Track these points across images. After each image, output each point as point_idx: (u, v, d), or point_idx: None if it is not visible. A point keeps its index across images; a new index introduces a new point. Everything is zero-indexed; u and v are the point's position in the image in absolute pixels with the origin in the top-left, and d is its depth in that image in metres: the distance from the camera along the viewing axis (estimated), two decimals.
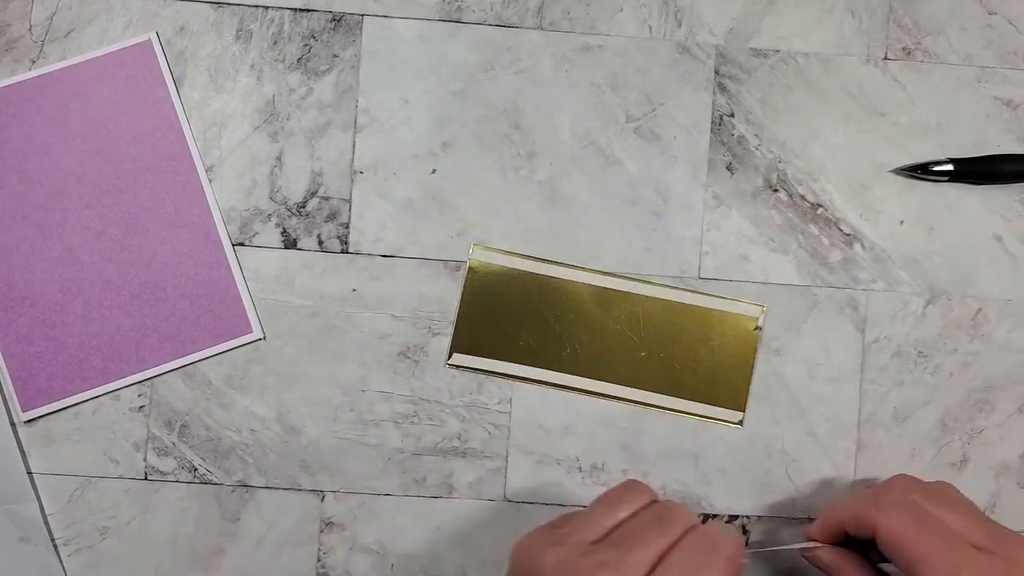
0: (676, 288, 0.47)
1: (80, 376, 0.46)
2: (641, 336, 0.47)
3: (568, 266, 0.47)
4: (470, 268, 0.46)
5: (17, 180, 0.45)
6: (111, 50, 0.46)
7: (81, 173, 0.45)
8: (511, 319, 0.46)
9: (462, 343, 0.46)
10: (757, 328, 0.47)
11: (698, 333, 0.47)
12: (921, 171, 0.46)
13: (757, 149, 0.47)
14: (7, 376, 0.45)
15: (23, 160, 0.45)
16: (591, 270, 0.47)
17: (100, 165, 0.46)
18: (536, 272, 0.47)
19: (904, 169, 0.47)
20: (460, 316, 0.46)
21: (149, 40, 0.46)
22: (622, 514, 0.38)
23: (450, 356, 0.46)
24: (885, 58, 0.47)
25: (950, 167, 0.46)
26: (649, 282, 0.47)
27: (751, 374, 0.47)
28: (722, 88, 0.47)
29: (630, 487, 0.40)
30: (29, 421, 0.45)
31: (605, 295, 0.47)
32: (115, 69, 0.46)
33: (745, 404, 0.47)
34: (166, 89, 0.46)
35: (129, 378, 0.46)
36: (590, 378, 0.47)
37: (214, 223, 0.46)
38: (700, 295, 0.47)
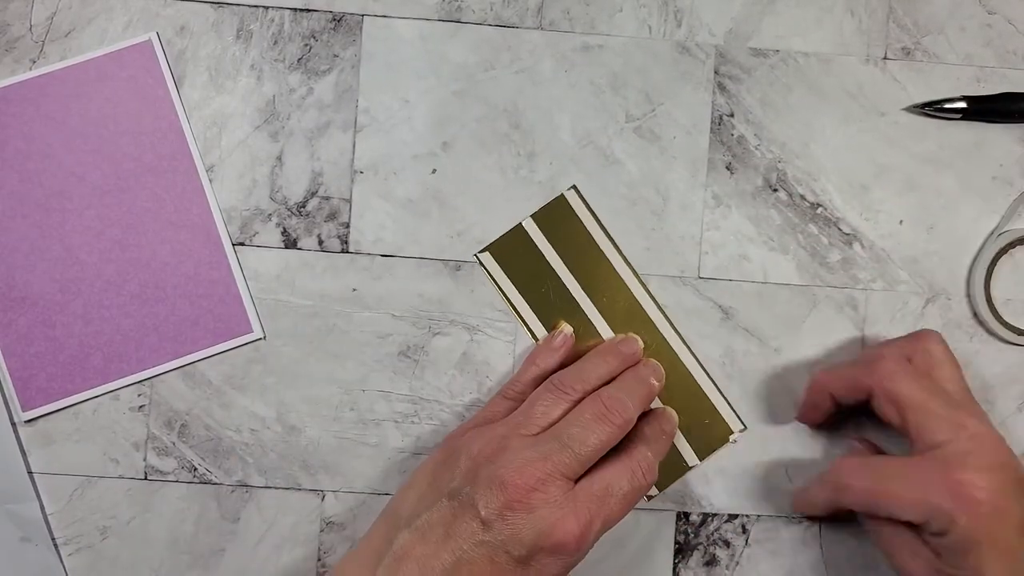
0: (686, 349, 0.47)
1: (80, 376, 0.46)
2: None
3: (625, 262, 0.47)
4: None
5: (17, 180, 0.45)
6: (111, 50, 0.46)
7: (81, 173, 0.45)
8: (547, 268, 0.47)
9: (498, 250, 0.47)
10: (730, 440, 0.47)
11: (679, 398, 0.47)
12: (935, 108, 0.46)
13: (757, 149, 0.47)
14: (7, 376, 0.45)
15: (23, 160, 0.45)
16: (636, 275, 0.47)
17: (100, 165, 0.46)
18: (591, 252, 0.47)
19: (917, 107, 0.47)
20: (512, 231, 0.47)
21: (149, 40, 0.46)
22: (556, 412, 0.41)
23: (483, 251, 0.46)
24: (885, 58, 0.47)
25: (963, 104, 0.46)
26: (671, 323, 0.47)
27: (699, 462, 0.47)
28: (722, 88, 0.47)
29: (557, 387, 0.42)
30: (29, 421, 0.46)
31: (634, 306, 0.47)
32: (115, 69, 0.46)
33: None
34: (166, 89, 0.46)
35: (129, 378, 0.46)
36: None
37: (214, 223, 0.46)
38: (703, 373, 0.47)
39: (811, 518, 0.47)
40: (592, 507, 0.39)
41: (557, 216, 0.47)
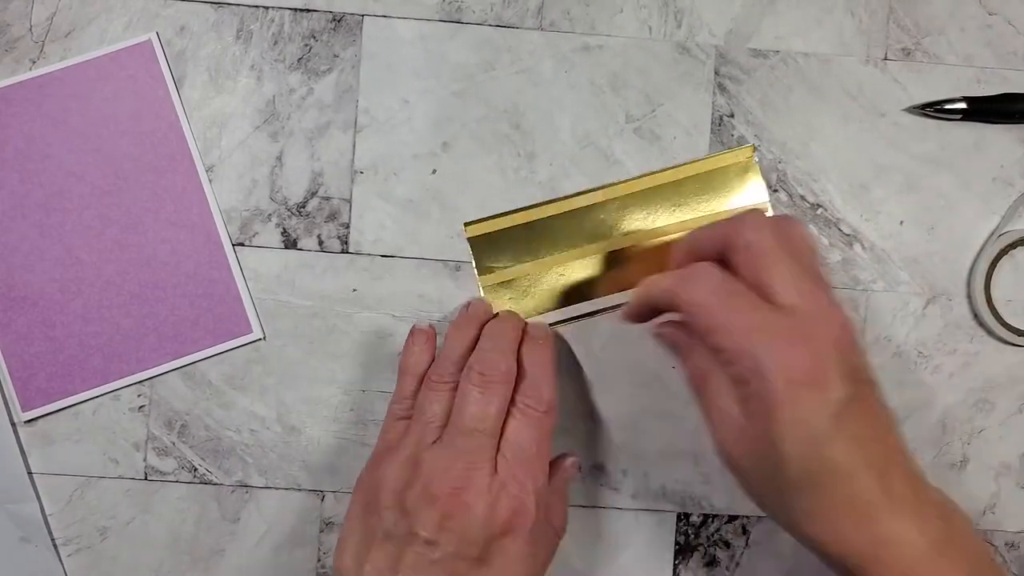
0: (652, 173, 0.46)
1: (80, 376, 0.46)
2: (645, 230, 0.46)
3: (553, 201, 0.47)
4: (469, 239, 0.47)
5: (17, 180, 0.45)
6: (111, 50, 0.46)
7: (81, 173, 0.45)
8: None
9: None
10: (751, 160, 0.46)
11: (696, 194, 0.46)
12: (935, 109, 0.46)
13: (757, 149, 0.47)
14: (7, 376, 0.45)
15: (23, 160, 0.45)
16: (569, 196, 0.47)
17: (100, 165, 0.46)
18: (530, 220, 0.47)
19: (917, 107, 0.47)
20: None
21: (149, 40, 0.46)
22: (445, 405, 0.41)
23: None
24: (885, 58, 0.47)
25: (963, 104, 0.46)
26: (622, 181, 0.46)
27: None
28: (722, 88, 0.47)
29: (402, 386, 0.43)
30: (29, 421, 0.45)
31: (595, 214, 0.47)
32: (115, 69, 0.46)
33: None
34: (166, 89, 0.46)
35: (129, 378, 0.46)
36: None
37: (214, 223, 0.46)
38: (676, 167, 0.46)
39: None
40: (519, 470, 0.39)
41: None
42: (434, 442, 0.40)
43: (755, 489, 0.38)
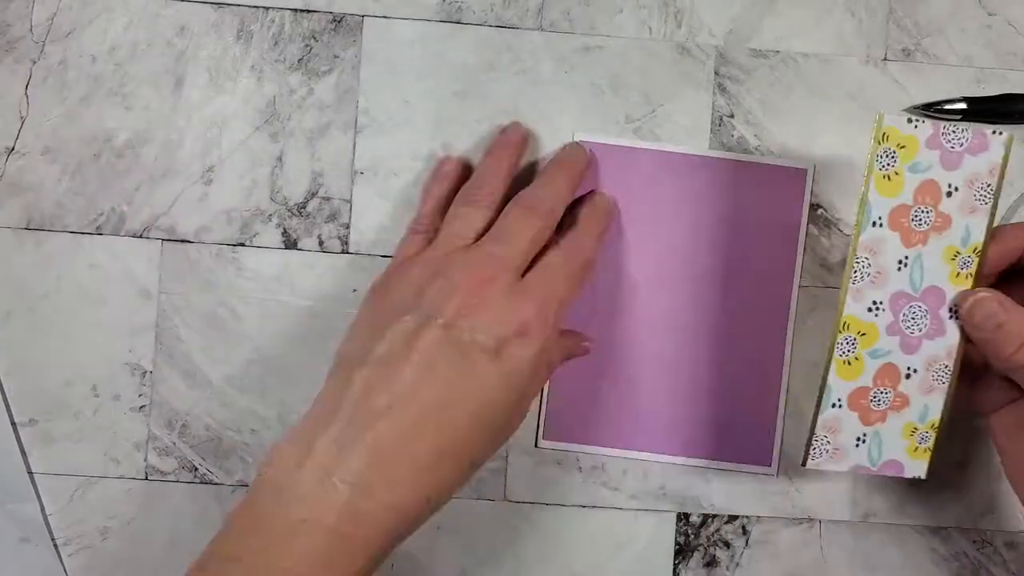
0: None
1: (605, 431, 0.46)
2: None
3: None
4: None
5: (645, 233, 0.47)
6: (770, 163, 0.47)
7: (694, 253, 0.47)
8: None
9: None
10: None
11: None
12: (935, 109, 0.46)
13: (757, 150, 0.47)
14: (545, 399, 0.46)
15: (642, 222, 0.47)
16: None
17: (718, 250, 0.47)
18: None
19: (917, 107, 0.47)
20: None
21: (806, 170, 0.47)
22: (479, 222, 0.42)
23: None
24: (885, 59, 0.47)
25: (963, 105, 0.46)
26: None
27: None
28: (722, 89, 0.47)
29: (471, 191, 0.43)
30: (542, 448, 0.46)
31: None
32: (768, 178, 0.47)
33: None
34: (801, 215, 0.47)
35: (647, 454, 0.47)
36: None
37: (784, 347, 0.47)
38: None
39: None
40: (543, 289, 0.40)
41: None
42: (465, 247, 0.41)
43: None
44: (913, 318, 0.41)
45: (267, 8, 0.46)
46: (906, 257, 0.40)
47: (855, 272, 0.40)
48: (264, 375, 0.46)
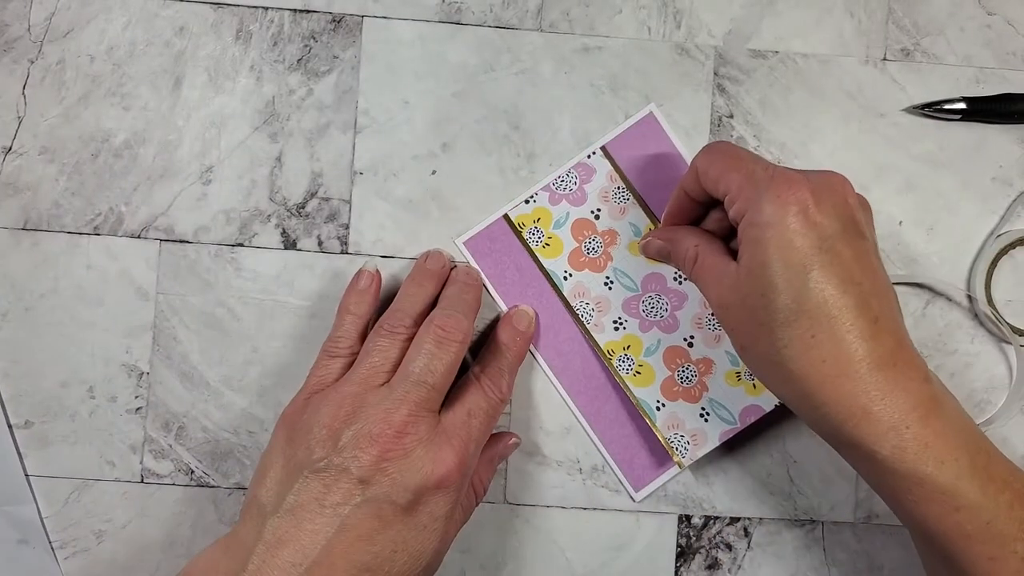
0: None
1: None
2: None
3: None
4: None
5: None
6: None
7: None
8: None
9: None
10: None
11: None
12: (934, 109, 0.46)
13: (756, 150, 0.47)
14: (611, 461, 0.46)
15: None
16: None
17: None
18: None
19: (917, 107, 0.47)
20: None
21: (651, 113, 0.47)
22: (395, 354, 0.41)
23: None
24: (884, 59, 0.47)
25: (963, 105, 0.46)
26: None
27: None
28: (721, 89, 0.47)
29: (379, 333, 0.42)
30: (639, 500, 0.47)
31: None
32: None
33: None
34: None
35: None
36: None
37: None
38: None
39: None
40: (462, 433, 0.40)
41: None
42: (379, 386, 0.40)
43: (747, 338, 0.38)
44: (653, 307, 0.46)
45: (266, 8, 0.46)
46: (607, 278, 0.46)
47: (582, 316, 0.46)
48: (262, 376, 0.46)
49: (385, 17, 0.47)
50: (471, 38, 0.47)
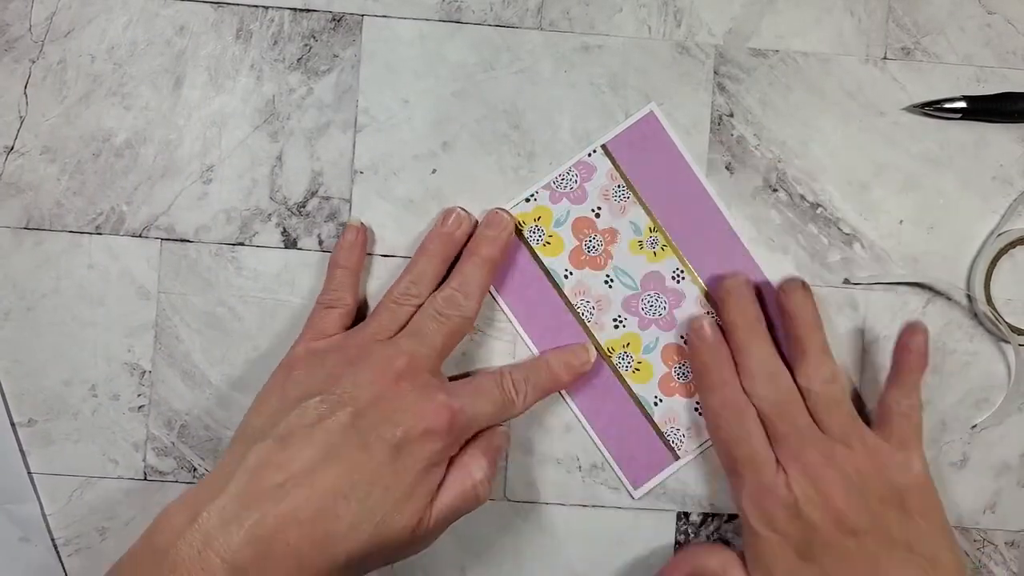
0: None
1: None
2: None
3: None
4: None
5: None
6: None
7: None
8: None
9: None
10: None
11: None
12: (935, 108, 0.46)
13: (756, 149, 0.47)
14: (612, 460, 0.47)
15: None
16: None
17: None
18: None
19: (917, 106, 0.47)
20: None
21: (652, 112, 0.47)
22: (402, 318, 0.43)
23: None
24: (884, 58, 0.47)
25: (963, 104, 0.46)
26: None
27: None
28: (721, 88, 0.47)
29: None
30: (639, 498, 0.45)
31: None
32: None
33: None
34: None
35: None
36: None
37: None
38: None
39: None
40: (463, 400, 0.41)
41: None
42: (384, 340, 0.42)
43: None
44: (652, 305, 0.47)
45: (266, 7, 0.46)
46: (608, 276, 0.47)
47: (582, 315, 0.47)
48: (264, 375, 0.46)
49: (385, 16, 0.47)
50: (471, 37, 0.47)
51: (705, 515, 0.47)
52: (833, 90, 0.47)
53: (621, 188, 0.47)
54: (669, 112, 0.47)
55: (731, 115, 0.47)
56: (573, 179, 0.47)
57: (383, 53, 0.47)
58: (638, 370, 0.46)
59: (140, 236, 0.46)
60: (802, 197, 0.47)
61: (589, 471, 0.47)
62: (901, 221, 0.47)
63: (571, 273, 0.47)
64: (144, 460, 0.46)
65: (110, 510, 0.46)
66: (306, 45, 0.47)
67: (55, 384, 0.46)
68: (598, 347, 0.46)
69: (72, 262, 0.46)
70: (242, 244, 0.46)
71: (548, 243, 0.47)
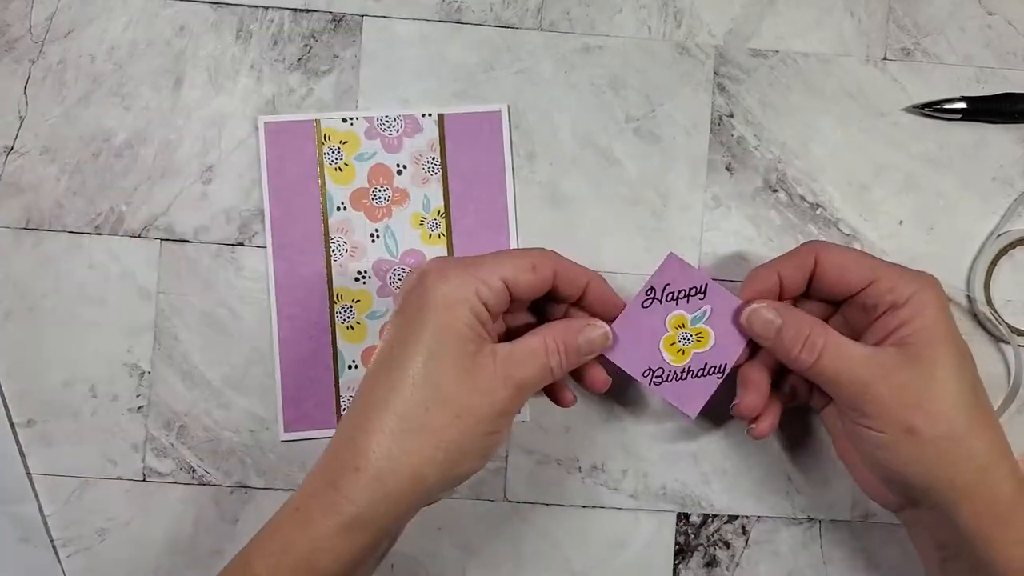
0: None
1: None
2: None
3: None
4: None
5: None
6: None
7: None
8: None
9: None
10: None
11: None
12: (935, 109, 0.46)
13: (756, 149, 0.47)
14: (279, 395, 0.46)
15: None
16: None
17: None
18: None
19: (917, 107, 0.47)
20: None
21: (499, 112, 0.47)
22: None
23: None
24: (884, 58, 0.47)
25: (963, 104, 0.46)
26: None
27: None
28: (721, 88, 0.47)
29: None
30: (285, 441, 0.46)
31: None
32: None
33: None
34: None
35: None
36: None
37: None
38: None
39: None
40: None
41: None
42: None
43: (895, 410, 0.38)
44: (400, 279, 0.47)
45: (266, 8, 0.46)
46: (376, 230, 0.46)
47: (333, 251, 0.46)
48: (263, 376, 0.46)
49: (385, 16, 0.47)
50: (471, 37, 0.47)
51: (705, 516, 0.47)
52: (833, 91, 0.47)
53: (434, 161, 0.46)
54: (669, 113, 0.47)
55: (731, 115, 0.47)
56: (396, 127, 0.46)
57: (383, 53, 0.47)
58: (352, 328, 0.46)
59: (140, 236, 0.46)
60: (802, 198, 0.47)
61: (589, 471, 0.47)
62: (901, 222, 0.47)
63: (345, 207, 0.46)
64: (143, 461, 0.46)
65: (109, 511, 0.46)
66: (306, 45, 0.47)
67: (55, 385, 0.46)
68: (329, 287, 0.46)
69: (72, 262, 0.46)
70: (241, 244, 0.46)
71: (340, 169, 0.46)
